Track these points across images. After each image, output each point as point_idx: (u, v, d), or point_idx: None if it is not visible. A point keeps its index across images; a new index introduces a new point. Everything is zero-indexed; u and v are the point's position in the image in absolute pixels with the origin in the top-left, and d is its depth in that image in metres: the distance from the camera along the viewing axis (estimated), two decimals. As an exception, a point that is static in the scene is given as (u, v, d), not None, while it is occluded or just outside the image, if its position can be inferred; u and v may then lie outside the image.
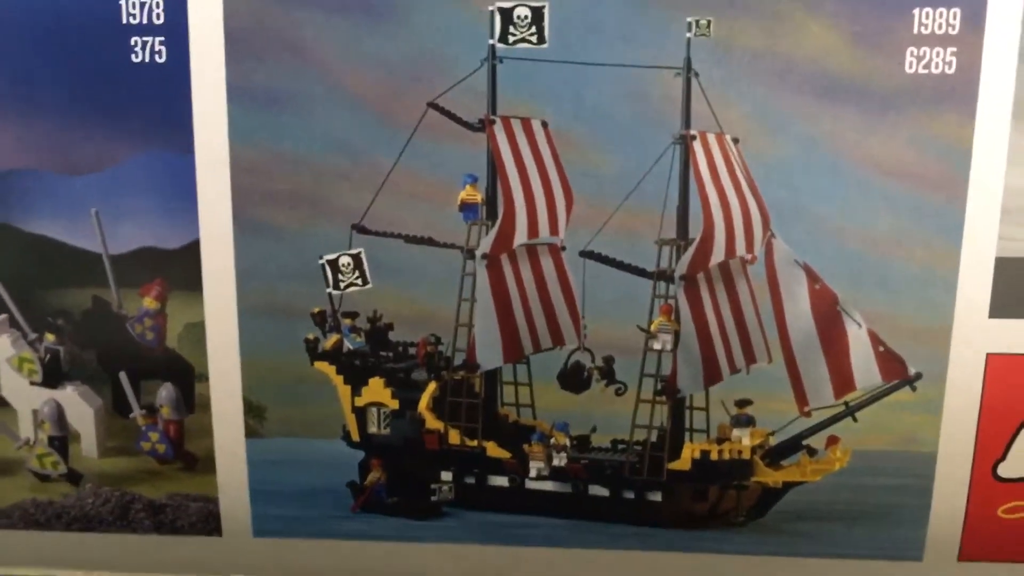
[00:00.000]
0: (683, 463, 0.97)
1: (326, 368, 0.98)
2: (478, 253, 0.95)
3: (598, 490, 0.99)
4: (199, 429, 0.99)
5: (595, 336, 0.96)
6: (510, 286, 0.97)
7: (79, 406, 1.01)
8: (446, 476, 1.01)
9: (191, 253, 0.94)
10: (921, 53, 0.85)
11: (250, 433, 0.98)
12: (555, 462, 0.98)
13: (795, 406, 0.95)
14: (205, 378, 0.97)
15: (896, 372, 0.93)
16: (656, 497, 0.98)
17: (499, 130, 0.92)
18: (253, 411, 0.98)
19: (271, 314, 0.95)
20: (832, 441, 0.95)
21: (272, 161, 0.91)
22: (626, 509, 0.99)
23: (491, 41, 0.88)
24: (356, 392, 0.99)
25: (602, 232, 0.92)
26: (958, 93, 0.86)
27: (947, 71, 0.85)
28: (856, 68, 0.86)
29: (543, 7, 0.87)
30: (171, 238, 0.94)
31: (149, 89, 0.90)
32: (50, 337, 0.99)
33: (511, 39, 0.88)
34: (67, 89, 0.90)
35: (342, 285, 0.95)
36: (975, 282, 0.90)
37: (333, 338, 0.97)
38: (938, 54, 0.85)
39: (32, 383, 1.01)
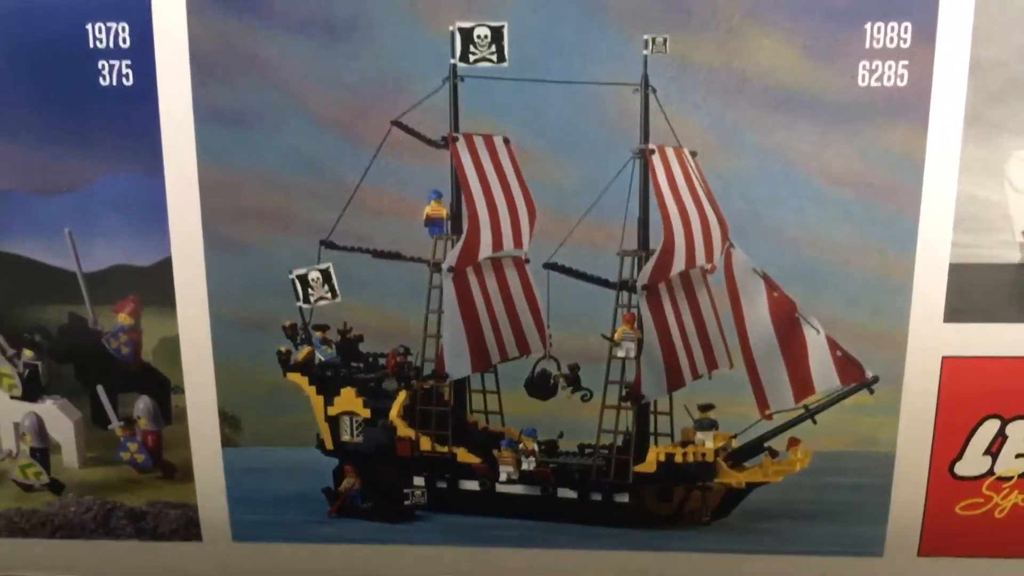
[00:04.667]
0: (648, 466, 0.99)
1: (299, 379, 1.00)
2: (444, 266, 0.96)
3: (566, 492, 1.01)
4: (177, 439, 1.02)
5: (560, 345, 0.97)
6: (476, 297, 0.98)
7: (59, 419, 1.03)
8: (418, 481, 1.03)
9: (163, 270, 0.95)
10: (873, 66, 0.87)
11: (226, 442, 1.01)
12: (524, 466, 1.01)
13: (756, 410, 0.97)
14: (181, 390, 0.99)
15: (854, 375, 0.95)
16: (623, 499, 1.00)
17: (462, 147, 0.93)
18: (229, 421, 1.00)
19: (244, 327, 0.97)
20: (793, 443, 0.98)
21: (240, 180, 0.93)
22: (594, 510, 1.01)
23: (452, 60, 0.89)
24: (329, 402, 1.01)
25: (565, 244, 0.93)
26: (910, 105, 0.87)
27: (899, 83, 0.87)
28: (810, 82, 0.87)
29: (503, 27, 0.88)
30: (143, 256, 0.95)
31: (118, 111, 0.91)
32: (28, 353, 1.01)
33: (472, 58, 0.89)
34: (38, 112, 0.92)
35: (312, 299, 0.97)
36: (930, 288, 0.92)
37: (305, 350, 0.99)
38: (890, 67, 0.87)
39: (12, 397, 1.03)
